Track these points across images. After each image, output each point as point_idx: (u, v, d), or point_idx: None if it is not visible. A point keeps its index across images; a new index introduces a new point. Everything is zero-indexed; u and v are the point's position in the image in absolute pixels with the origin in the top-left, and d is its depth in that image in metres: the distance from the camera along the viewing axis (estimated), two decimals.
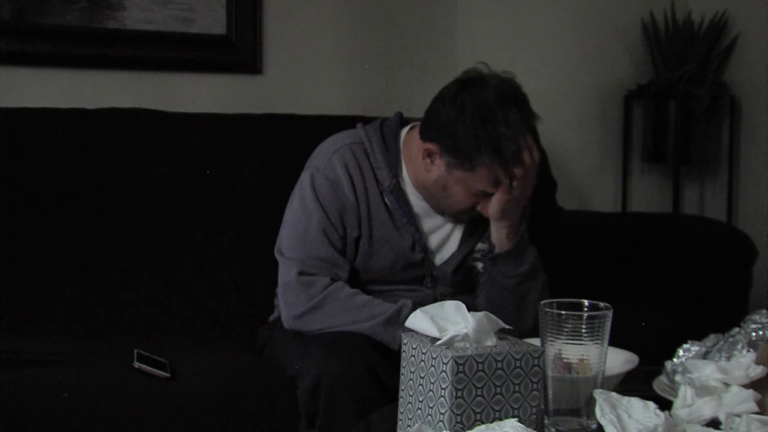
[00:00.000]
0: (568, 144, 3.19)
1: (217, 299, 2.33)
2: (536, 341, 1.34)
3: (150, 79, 2.64)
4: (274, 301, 2.18)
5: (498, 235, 2.02)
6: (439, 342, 1.29)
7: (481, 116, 1.89)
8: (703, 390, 1.35)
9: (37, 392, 1.72)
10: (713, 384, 1.37)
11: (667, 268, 2.47)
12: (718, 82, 3.20)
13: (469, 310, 1.31)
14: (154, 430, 1.75)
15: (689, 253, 2.47)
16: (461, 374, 1.24)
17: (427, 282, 2.08)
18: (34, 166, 2.26)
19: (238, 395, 1.83)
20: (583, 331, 1.30)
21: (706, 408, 1.32)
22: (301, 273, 1.96)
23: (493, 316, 1.32)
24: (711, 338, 1.57)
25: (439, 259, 2.08)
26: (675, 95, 3.10)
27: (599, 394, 1.26)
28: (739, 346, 1.48)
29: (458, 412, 1.24)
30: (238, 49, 2.72)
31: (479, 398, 1.25)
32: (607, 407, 1.23)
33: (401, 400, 1.34)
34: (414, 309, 1.37)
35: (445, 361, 1.24)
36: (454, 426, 1.24)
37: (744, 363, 1.40)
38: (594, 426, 1.30)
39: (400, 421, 1.35)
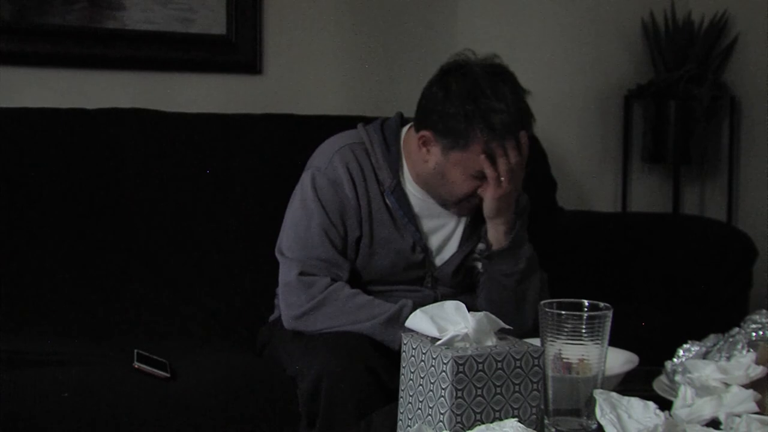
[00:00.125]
0: (568, 144, 3.19)
1: (217, 299, 2.33)
2: (536, 341, 1.34)
3: (150, 79, 2.64)
4: (274, 301, 2.18)
5: (495, 233, 2.02)
6: (439, 342, 1.29)
7: (468, 92, 1.91)
8: (703, 390, 1.35)
9: (37, 392, 1.72)
10: (713, 384, 1.37)
11: (667, 268, 2.48)
12: (718, 82, 3.20)
13: (469, 311, 1.31)
14: (154, 430, 1.75)
15: (689, 253, 2.47)
16: (461, 374, 1.24)
17: (428, 282, 2.08)
18: (34, 166, 2.26)
19: (238, 395, 1.83)
20: (583, 331, 1.30)
21: (706, 408, 1.32)
22: (301, 273, 1.96)
23: (493, 316, 1.32)
24: (711, 338, 1.57)
25: (440, 259, 2.08)
26: (675, 95, 3.10)
27: (599, 394, 1.26)
28: (739, 346, 1.48)
29: (458, 412, 1.24)
30: (238, 49, 2.72)
31: (479, 398, 1.25)
32: (607, 407, 1.23)
33: (401, 400, 1.34)
34: (414, 309, 1.37)
35: (445, 361, 1.24)
36: (454, 426, 1.24)
37: (744, 363, 1.40)
38: (594, 426, 1.30)
39: (400, 421, 1.35)
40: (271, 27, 2.77)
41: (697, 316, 2.31)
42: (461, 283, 2.09)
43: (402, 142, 2.06)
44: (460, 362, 1.24)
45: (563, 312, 1.30)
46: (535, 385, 1.29)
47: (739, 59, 3.23)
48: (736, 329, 1.55)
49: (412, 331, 1.33)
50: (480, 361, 1.25)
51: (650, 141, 3.20)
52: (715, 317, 2.14)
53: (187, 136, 2.44)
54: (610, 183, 3.32)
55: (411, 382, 1.32)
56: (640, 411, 1.23)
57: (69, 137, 2.33)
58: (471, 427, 1.23)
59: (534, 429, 1.25)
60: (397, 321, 1.89)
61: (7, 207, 2.21)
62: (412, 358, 1.31)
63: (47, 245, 2.23)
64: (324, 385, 1.77)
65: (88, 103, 2.42)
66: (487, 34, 3.02)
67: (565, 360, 1.30)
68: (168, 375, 1.81)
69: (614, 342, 1.37)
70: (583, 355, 1.30)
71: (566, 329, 1.30)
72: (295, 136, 2.48)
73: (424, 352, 1.29)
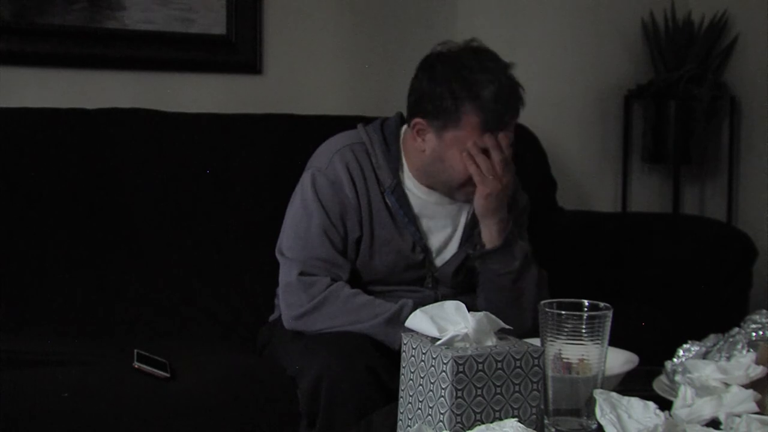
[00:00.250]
0: (568, 144, 3.18)
1: (217, 299, 2.33)
2: (536, 341, 1.34)
3: (150, 79, 2.64)
4: (274, 301, 2.18)
5: (488, 232, 2.01)
6: (439, 342, 1.29)
7: (453, 70, 1.93)
8: (703, 390, 1.35)
9: (37, 392, 1.72)
10: (713, 384, 1.37)
11: (668, 268, 2.47)
12: (718, 82, 3.20)
13: (469, 311, 1.31)
14: (154, 430, 1.75)
15: (689, 253, 2.47)
16: (461, 374, 1.24)
17: (428, 283, 2.08)
18: (34, 166, 2.26)
19: (238, 395, 1.83)
20: (583, 331, 1.30)
21: (706, 408, 1.32)
22: (302, 273, 1.96)
23: (493, 316, 1.32)
24: (711, 338, 1.57)
25: (440, 260, 2.08)
26: (675, 95, 3.10)
27: (599, 394, 1.26)
28: (739, 346, 1.48)
29: (458, 412, 1.24)
30: (238, 49, 2.72)
31: (479, 398, 1.25)
32: (607, 407, 1.23)
33: (401, 400, 1.34)
34: (415, 309, 1.37)
35: (445, 361, 1.24)
36: (454, 426, 1.24)
37: (744, 363, 1.40)
38: (594, 426, 1.30)
39: (400, 421, 1.35)
40: (271, 27, 2.77)
41: (697, 316, 2.30)
42: (462, 284, 2.09)
43: (402, 142, 2.06)
44: (460, 362, 1.24)
45: (563, 312, 1.30)
46: (535, 385, 1.29)
47: (739, 59, 3.23)
48: (736, 329, 1.55)
49: (412, 331, 1.33)
50: (480, 361, 1.25)
51: (650, 141, 3.20)
52: (715, 317, 2.14)
53: (187, 136, 2.44)
54: (610, 183, 3.32)
55: (411, 382, 1.32)
56: (640, 411, 1.23)
57: (69, 137, 2.33)
58: (471, 427, 1.23)
59: (534, 429, 1.25)
60: (398, 321, 1.89)
61: (7, 207, 2.21)
62: (412, 358, 1.31)
63: (47, 245, 2.23)
64: (324, 385, 1.77)
65: (88, 103, 2.42)
66: (487, 34, 2.99)
67: (565, 360, 1.30)
68: (168, 375, 1.81)
69: (614, 342, 1.37)
70: (583, 355, 1.30)
71: (566, 329, 1.30)
72: (295, 136, 2.48)
73: (424, 352, 1.29)
